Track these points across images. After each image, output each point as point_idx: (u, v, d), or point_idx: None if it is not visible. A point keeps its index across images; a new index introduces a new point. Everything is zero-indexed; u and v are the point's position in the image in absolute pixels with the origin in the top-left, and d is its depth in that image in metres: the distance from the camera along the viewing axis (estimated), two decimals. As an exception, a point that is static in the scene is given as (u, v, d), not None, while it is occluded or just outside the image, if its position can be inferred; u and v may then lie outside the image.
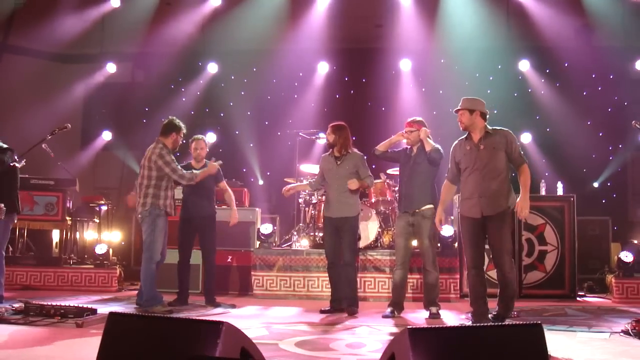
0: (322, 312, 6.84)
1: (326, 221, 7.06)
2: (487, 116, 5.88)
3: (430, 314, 6.57)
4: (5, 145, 6.91)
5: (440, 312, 6.62)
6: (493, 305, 5.80)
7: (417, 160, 6.69)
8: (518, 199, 5.72)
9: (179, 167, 6.93)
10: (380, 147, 6.93)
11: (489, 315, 5.76)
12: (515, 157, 5.78)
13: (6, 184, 6.90)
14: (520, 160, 5.79)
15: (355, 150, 7.06)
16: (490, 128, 5.85)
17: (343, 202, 6.90)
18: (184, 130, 7.10)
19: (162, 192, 6.81)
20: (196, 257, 7.66)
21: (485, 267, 5.96)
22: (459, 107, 5.89)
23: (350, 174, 6.89)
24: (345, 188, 6.85)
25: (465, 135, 5.98)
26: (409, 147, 6.83)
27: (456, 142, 6.06)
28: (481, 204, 5.73)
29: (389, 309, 6.63)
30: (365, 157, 7.06)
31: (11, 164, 6.82)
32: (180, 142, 7.15)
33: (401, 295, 6.76)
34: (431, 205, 6.56)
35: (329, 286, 7.15)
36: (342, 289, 6.91)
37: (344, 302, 6.87)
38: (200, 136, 7.54)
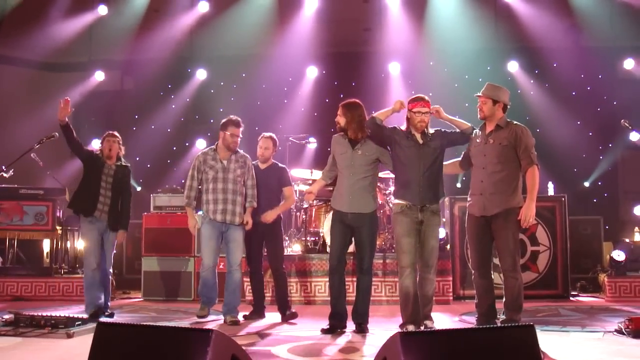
0: (323, 332, 5.69)
1: (336, 216, 5.86)
2: (508, 107, 5.52)
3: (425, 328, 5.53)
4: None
5: (433, 315, 5.73)
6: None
7: (430, 146, 5.58)
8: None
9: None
10: (381, 115, 5.71)
11: (498, 319, 5.43)
12: (523, 156, 5.34)
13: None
14: (528, 161, 5.33)
15: None
16: (505, 121, 5.46)
17: (358, 195, 5.72)
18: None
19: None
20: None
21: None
22: (481, 94, 5.48)
23: (371, 162, 5.78)
24: (362, 177, 5.75)
25: (481, 125, 5.63)
26: (408, 130, 5.66)
27: (477, 129, 5.63)
28: (481, 202, 5.45)
29: (411, 327, 5.46)
30: None
31: None
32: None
33: (418, 308, 5.57)
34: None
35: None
36: (344, 301, 5.84)
37: (357, 318, 5.78)
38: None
